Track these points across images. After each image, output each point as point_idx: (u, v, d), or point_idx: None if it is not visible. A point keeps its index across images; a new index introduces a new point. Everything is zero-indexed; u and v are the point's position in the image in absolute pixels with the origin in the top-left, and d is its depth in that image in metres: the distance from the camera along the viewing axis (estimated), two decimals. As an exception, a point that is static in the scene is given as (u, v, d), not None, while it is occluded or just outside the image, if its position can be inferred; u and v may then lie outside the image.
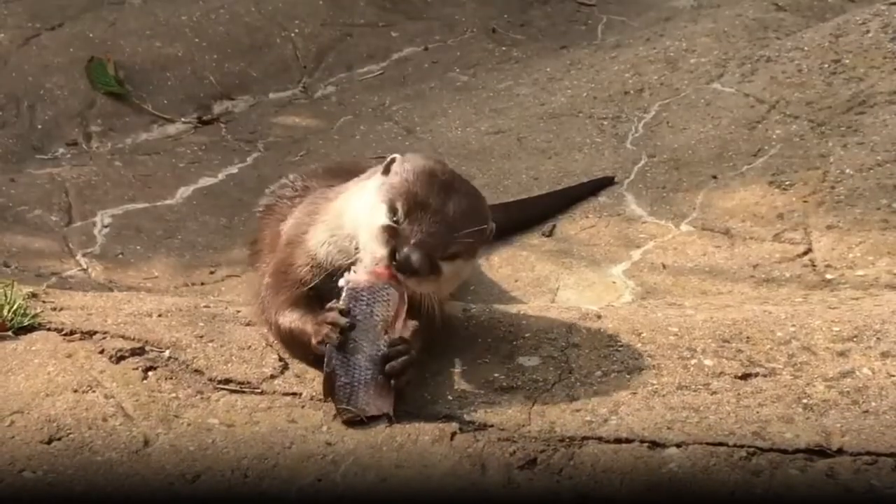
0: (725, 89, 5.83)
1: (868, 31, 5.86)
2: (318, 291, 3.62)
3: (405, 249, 3.41)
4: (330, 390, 3.38)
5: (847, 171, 5.03)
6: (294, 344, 3.60)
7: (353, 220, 3.59)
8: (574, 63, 6.48)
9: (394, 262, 3.42)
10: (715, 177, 5.23)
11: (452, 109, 6.24)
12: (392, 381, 3.37)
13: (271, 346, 3.66)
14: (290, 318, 3.61)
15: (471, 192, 3.62)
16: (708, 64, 6.07)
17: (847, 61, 5.74)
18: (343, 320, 3.42)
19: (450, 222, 3.48)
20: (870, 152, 5.09)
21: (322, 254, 3.63)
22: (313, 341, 3.47)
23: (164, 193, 5.67)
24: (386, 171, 3.59)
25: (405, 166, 3.57)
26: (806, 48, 5.92)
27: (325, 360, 3.40)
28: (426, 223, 3.45)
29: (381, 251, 3.45)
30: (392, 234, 3.45)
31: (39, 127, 6.14)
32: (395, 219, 3.46)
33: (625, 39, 6.67)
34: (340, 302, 3.46)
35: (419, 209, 3.46)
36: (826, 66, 5.75)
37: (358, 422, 3.32)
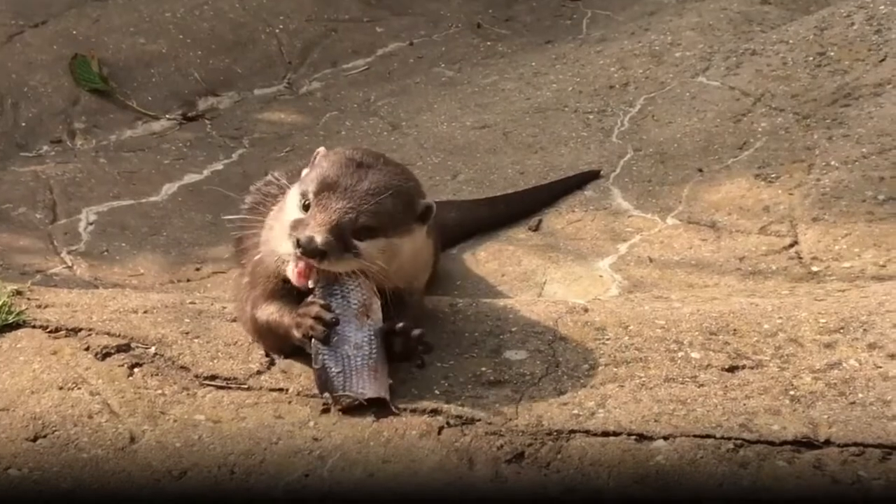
0: (711, 83, 5.83)
1: (853, 24, 5.86)
2: (292, 286, 3.58)
3: (305, 233, 3.41)
4: (324, 384, 3.38)
5: (832, 163, 5.03)
6: (270, 335, 3.59)
7: (283, 215, 3.59)
8: (559, 57, 6.47)
9: (299, 250, 3.41)
10: (701, 170, 5.23)
11: (438, 104, 6.23)
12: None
13: (258, 342, 3.64)
14: (268, 311, 3.58)
15: (392, 171, 3.59)
16: (693, 58, 6.07)
17: (832, 54, 5.74)
18: (328, 315, 3.42)
19: (360, 199, 3.46)
20: (855, 144, 5.09)
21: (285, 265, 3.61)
22: (296, 334, 3.46)
23: (149, 190, 5.65)
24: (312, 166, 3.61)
25: (325, 157, 3.59)
26: (791, 41, 5.92)
27: (313, 356, 3.41)
28: (332, 203, 3.45)
29: (287, 246, 3.46)
30: (296, 225, 3.45)
31: (23, 125, 6.12)
32: (305, 203, 3.48)
33: (610, 34, 6.66)
34: (317, 297, 3.47)
35: (326, 191, 3.47)
36: (811, 58, 5.75)
37: (357, 407, 3.32)
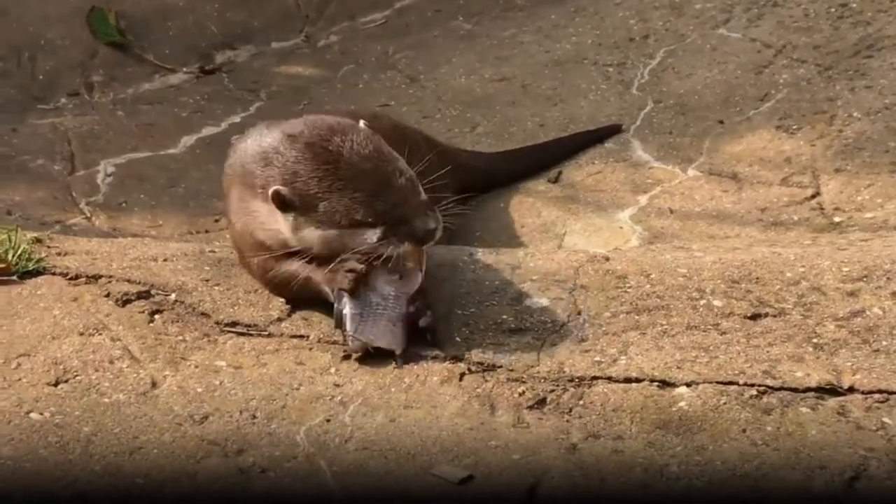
0: (731, 34, 5.78)
1: (875, -25, 5.81)
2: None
3: (419, 224, 3.40)
4: (339, 320, 3.39)
5: (855, 114, 4.99)
6: (288, 292, 3.55)
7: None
8: (578, 10, 6.41)
9: (416, 242, 3.41)
10: (721, 122, 5.20)
11: (456, 58, 6.19)
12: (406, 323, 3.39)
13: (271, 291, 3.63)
14: (291, 271, 3.54)
15: (370, 140, 3.51)
16: (714, 9, 6.01)
17: (854, 5, 5.69)
18: (360, 266, 3.41)
19: (402, 172, 3.46)
20: (877, 96, 5.06)
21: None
22: (325, 288, 3.45)
23: (167, 143, 5.64)
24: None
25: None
26: (812, -8, 5.88)
27: (336, 297, 3.41)
28: (395, 190, 3.43)
29: (400, 248, 3.42)
30: (375, 243, 3.41)
31: (41, 77, 6.10)
32: (369, 220, 3.41)
33: (629, -14, 6.62)
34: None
35: (381, 186, 3.43)
36: (833, 10, 5.70)
37: (365, 352, 3.34)
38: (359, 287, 3.41)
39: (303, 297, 3.55)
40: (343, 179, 3.41)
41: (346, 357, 3.34)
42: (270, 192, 3.42)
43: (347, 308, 3.40)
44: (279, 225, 3.47)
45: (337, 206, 3.41)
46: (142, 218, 5.06)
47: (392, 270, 3.45)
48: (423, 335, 3.39)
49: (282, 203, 3.42)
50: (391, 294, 3.42)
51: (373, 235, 3.41)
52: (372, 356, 3.34)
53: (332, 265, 3.44)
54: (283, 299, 3.58)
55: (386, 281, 3.45)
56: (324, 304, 3.50)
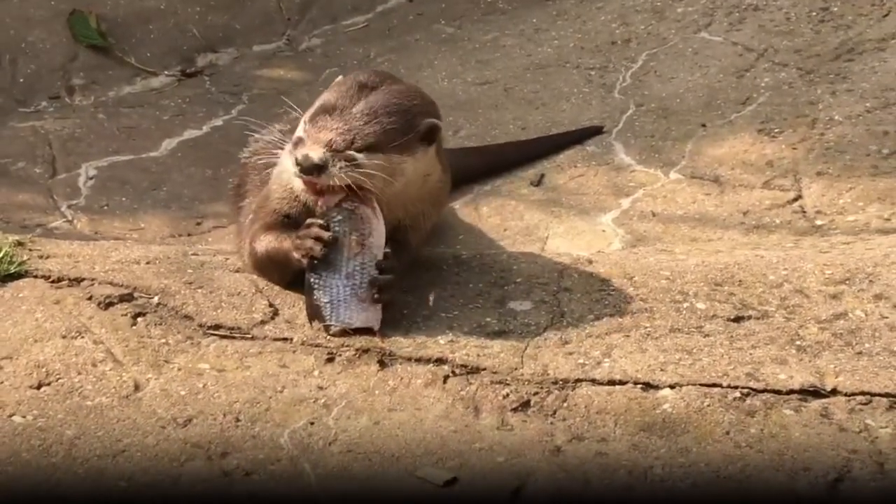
0: (713, 38, 5.79)
1: (856, -21, 5.84)
2: (294, 221, 3.63)
3: (301, 151, 3.45)
4: (314, 313, 3.45)
5: (836, 118, 5.01)
6: (270, 264, 3.64)
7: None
8: (560, 14, 6.42)
9: (297, 168, 3.45)
10: (704, 125, 5.21)
11: (438, 61, 6.19)
12: (376, 296, 3.45)
13: (261, 291, 3.64)
14: (267, 240, 3.64)
15: (396, 90, 3.62)
16: (695, 13, 6.03)
17: (835, 9, 5.71)
18: (326, 234, 3.47)
19: (361, 117, 3.49)
20: (859, 99, 5.08)
21: (293, 183, 3.62)
22: (295, 255, 3.51)
23: (148, 146, 5.62)
24: None
25: (334, 83, 3.64)
26: (794, -4, 5.90)
27: (305, 285, 3.47)
28: (328, 123, 3.49)
29: (289, 165, 3.51)
30: (297, 144, 3.50)
31: (21, 81, 6.07)
32: (305, 127, 3.52)
33: (611, -10, 6.63)
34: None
35: (326, 112, 3.51)
36: (814, 13, 5.72)
37: (346, 334, 3.40)
38: (324, 262, 3.47)
39: (277, 268, 3.61)
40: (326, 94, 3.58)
41: (330, 359, 3.34)
42: None
43: (320, 298, 3.45)
44: None
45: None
46: (123, 221, 5.04)
47: (352, 231, 3.50)
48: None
49: None
50: (355, 270, 3.48)
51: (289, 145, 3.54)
52: (350, 334, 3.40)
53: (299, 232, 3.51)
54: (266, 301, 3.59)
55: (351, 254, 3.49)
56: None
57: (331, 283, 3.47)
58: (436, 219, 3.88)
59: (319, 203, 3.52)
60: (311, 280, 3.48)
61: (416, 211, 3.70)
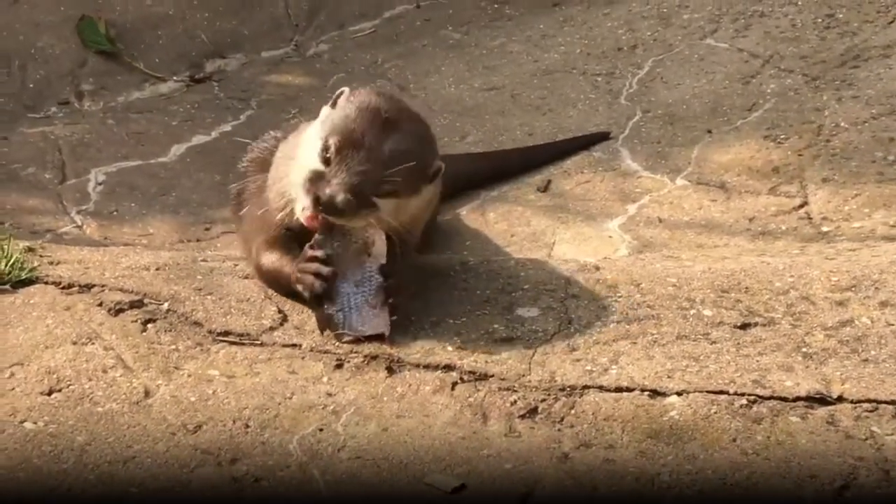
0: (719, 44, 5.81)
1: (862, -15, 5.86)
2: (296, 233, 3.64)
3: (328, 191, 3.43)
4: (325, 322, 3.47)
5: (842, 124, 5.03)
6: (274, 283, 3.66)
7: (299, 157, 3.61)
8: (567, 20, 6.45)
9: (319, 206, 3.45)
10: (710, 131, 5.23)
11: (445, 67, 6.22)
12: (389, 301, 3.48)
13: (270, 298, 3.65)
14: (271, 259, 3.65)
15: (414, 129, 3.61)
16: (701, 19, 6.05)
17: (841, 16, 5.73)
18: (326, 269, 3.49)
19: (383, 160, 3.48)
20: (864, 105, 5.09)
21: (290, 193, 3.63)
22: (297, 287, 3.53)
23: (157, 151, 5.64)
24: (334, 105, 3.62)
25: (350, 101, 3.58)
26: (799, 3, 5.91)
27: (313, 299, 3.51)
28: (356, 162, 3.46)
29: (306, 200, 3.48)
30: (317, 179, 3.47)
31: (31, 86, 6.10)
32: (326, 156, 3.48)
33: (617, -4, 6.64)
34: (319, 237, 3.53)
35: (351, 147, 3.47)
36: (820, 20, 5.74)
37: (359, 342, 3.42)
38: (331, 290, 3.49)
39: (281, 287, 3.65)
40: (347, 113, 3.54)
41: (339, 366, 3.36)
42: None
43: (330, 308, 3.47)
44: None
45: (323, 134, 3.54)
46: (133, 226, 5.06)
47: (356, 239, 3.53)
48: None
49: None
50: (364, 277, 3.51)
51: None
52: (362, 341, 3.42)
53: (298, 263, 3.53)
54: (275, 308, 3.61)
55: (356, 263, 3.52)
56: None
57: (340, 291, 3.50)
58: (427, 218, 3.89)
59: (310, 225, 3.54)
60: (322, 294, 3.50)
61: (413, 224, 3.71)
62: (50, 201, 5.21)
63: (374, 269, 3.53)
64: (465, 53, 6.32)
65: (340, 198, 3.42)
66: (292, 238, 3.64)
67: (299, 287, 3.53)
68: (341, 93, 3.63)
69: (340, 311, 3.47)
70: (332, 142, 3.48)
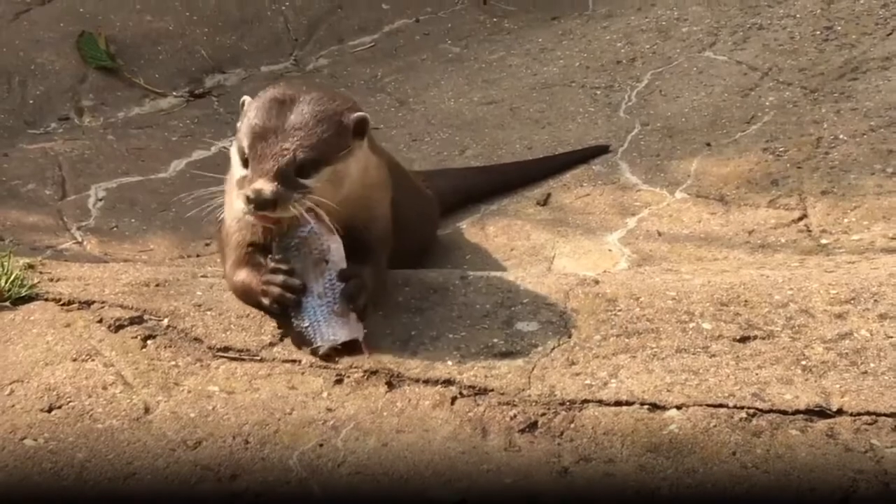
0: (718, 57, 5.83)
1: (859, -2, 5.88)
2: (260, 246, 3.65)
3: (252, 187, 3.44)
4: (299, 339, 3.49)
5: (841, 136, 5.04)
6: (247, 298, 3.65)
7: (230, 177, 3.64)
8: (566, 33, 6.46)
9: (251, 206, 3.44)
10: (709, 144, 5.23)
11: (445, 81, 6.23)
12: (351, 307, 3.47)
13: (269, 314, 3.66)
14: (240, 277, 3.65)
15: (316, 97, 3.58)
16: (700, 32, 6.06)
17: (839, 28, 5.74)
18: (296, 282, 3.50)
19: (291, 136, 3.48)
20: (863, 118, 5.10)
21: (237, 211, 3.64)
22: (265, 301, 3.54)
23: (157, 167, 5.65)
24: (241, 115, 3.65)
25: (250, 104, 3.60)
26: (798, 15, 5.92)
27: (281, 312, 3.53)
28: (267, 149, 3.47)
29: (238, 205, 3.49)
30: (241, 183, 3.49)
31: (31, 102, 6.11)
32: (244, 158, 3.50)
33: (616, 9, 6.64)
34: (276, 256, 3.55)
35: (260, 140, 3.49)
36: (818, 32, 5.76)
37: (335, 351, 3.43)
38: (301, 302, 3.50)
39: (256, 304, 3.63)
40: (249, 115, 3.55)
41: (339, 381, 3.36)
42: None
43: (300, 325, 3.49)
44: None
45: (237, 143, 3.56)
46: (133, 242, 5.07)
47: (312, 249, 3.54)
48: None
49: None
50: (326, 287, 3.51)
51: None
52: (340, 351, 3.43)
53: (263, 276, 3.54)
54: (274, 323, 3.61)
55: (315, 274, 3.52)
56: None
57: (305, 306, 3.50)
58: (386, 204, 3.83)
59: (274, 233, 3.55)
60: (290, 310, 3.52)
61: (365, 206, 3.69)
62: (50, 217, 5.22)
63: (334, 277, 3.52)
64: (465, 67, 6.34)
65: (266, 189, 3.43)
66: (260, 252, 3.63)
67: (266, 300, 3.53)
68: (243, 102, 3.64)
69: (310, 325, 3.48)
70: (244, 143, 3.51)
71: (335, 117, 3.56)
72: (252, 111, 3.55)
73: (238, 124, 3.62)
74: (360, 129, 3.62)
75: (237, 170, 3.54)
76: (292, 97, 3.55)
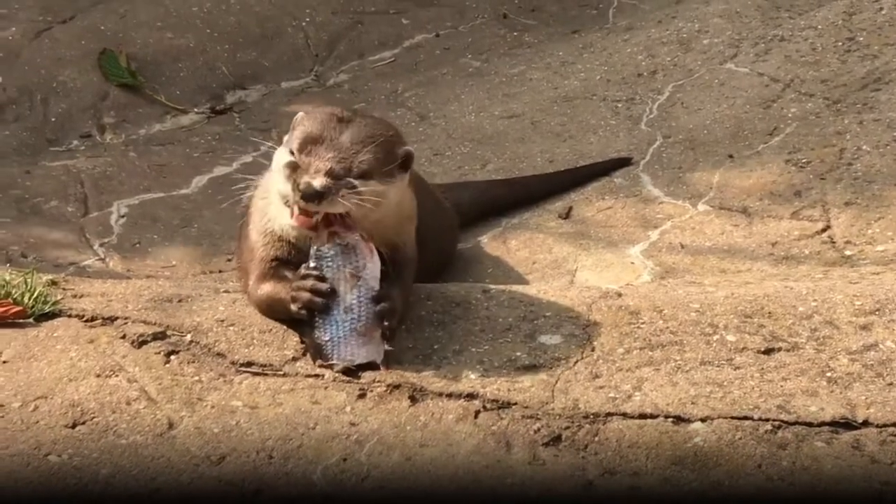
0: (739, 69, 5.81)
1: (882, 9, 5.85)
2: (286, 262, 3.67)
3: (304, 178, 3.47)
4: (316, 352, 3.48)
5: (864, 147, 5.02)
6: (272, 310, 3.66)
7: (272, 183, 3.65)
8: (586, 47, 6.46)
9: (299, 194, 3.47)
10: (731, 156, 5.22)
11: (465, 95, 6.23)
12: (379, 329, 3.49)
13: (292, 328, 3.65)
14: (265, 290, 3.66)
15: (372, 122, 3.68)
16: (721, 44, 6.05)
17: (861, 39, 5.72)
18: (324, 286, 3.51)
19: (347, 146, 3.54)
20: (886, 128, 5.08)
21: (272, 224, 3.68)
22: (293, 307, 3.54)
23: (179, 183, 5.67)
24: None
25: (304, 118, 3.65)
26: (819, 27, 5.90)
27: (303, 325, 3.53)
28: (322, 151, 3.52)
29: (286, 189, 3.51)
30: (293, 170, 3.51)
31: (53, 120, 6.14)
32: (293, 160, 3.52)
33: (636, 22, 6.65)
34: (311, 264, 3.55)
35: (313, 143, 3.53)
36: (840, 44, 5.73)
37: (351, 371, 3.42)
38: (331, 306, 3.50)
39: (280, 315, 3.64)
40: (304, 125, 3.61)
41: (362, 395, 3.36)
42: None
43: (320, 337, 3.48)
44: None
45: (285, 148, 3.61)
46: (155, 258, 5.08)
47: (348, 262, 3.54)
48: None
49: None
50: (354, 303, 3.50)
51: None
52: (355, 371, 3.43)
53: (294, 282, 3.55)
54: (297, 338, 3.61)
55: (347, 288, 3.52)
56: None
57: (330, 319, 3.50)
58: (412, 230, 3.88)
59: (312, 239, 3.56)
60: (312, 322, 3.51)
61: (396, 232, 3.74)
62: (72, 234, 5.24)
63: (365, 295, 3.52)
64: (485, 81, 6.34)
65: (318, 181, 3.46)
66: (284, 266, 3.66)
67: (295, 307, 3.53)
68: (299, 117, 3.68)
69: (330, 340, 3.47)
70: (295, 146, 3.54)
71: (388, 145, 3.63)
72: (308, 121, 3.61)
73: (287, 136, 3.64)
74: (407, 162, 3.69)
75: (279, 176, 3.56)
76: (350, 116, 3.63)
